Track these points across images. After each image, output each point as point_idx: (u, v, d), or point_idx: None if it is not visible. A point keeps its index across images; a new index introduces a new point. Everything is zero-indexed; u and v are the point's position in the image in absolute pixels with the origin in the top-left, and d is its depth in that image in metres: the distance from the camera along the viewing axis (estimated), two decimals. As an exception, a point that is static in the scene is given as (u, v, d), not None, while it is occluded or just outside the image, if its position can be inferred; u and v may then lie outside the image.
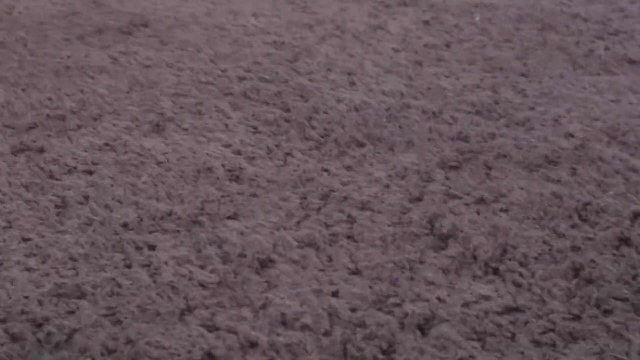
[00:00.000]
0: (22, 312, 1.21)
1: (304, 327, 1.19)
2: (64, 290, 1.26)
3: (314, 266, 1.33)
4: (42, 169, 1.59)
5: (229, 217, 1.45)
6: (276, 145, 1.69)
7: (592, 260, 1.34)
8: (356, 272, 1.32)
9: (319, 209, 1.50)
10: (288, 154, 1.67)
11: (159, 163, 1.61)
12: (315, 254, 1.36)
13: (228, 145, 1.68)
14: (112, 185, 1.53)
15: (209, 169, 1.59)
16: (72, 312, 1.22)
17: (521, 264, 1.33)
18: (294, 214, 1.47)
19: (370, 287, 1.28)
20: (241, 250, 1.35)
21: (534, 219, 1.45)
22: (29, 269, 1.31)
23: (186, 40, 2.17)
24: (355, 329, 1.19)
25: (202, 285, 1.27)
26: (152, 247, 1.36)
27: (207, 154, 1.64)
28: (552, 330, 1.19)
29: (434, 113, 1.84)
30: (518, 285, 1.28)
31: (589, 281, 1.29)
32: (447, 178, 1.60)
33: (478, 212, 1.48)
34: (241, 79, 1.98)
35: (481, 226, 1.43)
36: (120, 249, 1.35)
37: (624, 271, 1.32)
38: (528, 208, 1.48)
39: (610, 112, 1.85)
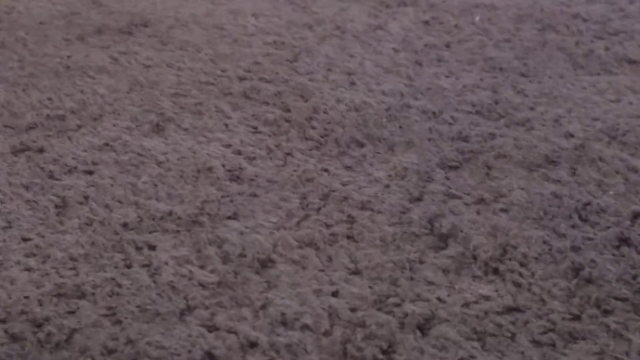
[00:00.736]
0: (22, 312, 1.21)
1: (304, 327, 1.19)
2: (64, 290, 1.26)
3: (314, 266, 1.33)
4: (42, 169, 1.59)
5: (229, 217, 1.45)
6: (276, 146, 1.69)
7: (592, 260, 1.34)
8: (356, 272, 1.32)
9: (319, 209, 1.50)
10: (288, 154, 1.67)
11: (159, 163, 1.61)
12: (315, 254, 1.36)
13: (228, 145, 1.68)
14: (112, 185, 1.53)
15: (209, 169, 1.59)
16: (72, 312, 1.22)
17: (521, 264, 1.33)
18: (294, 214, 1.47)
19: (370, 287, 1.28)
20: (241, 250, 1.35)
21: (534, 219, 1.45)
22: (29, 269, 1.31)
23: (186, 40, 2.17)
24: (355, 329, 1.19)
25: (202, 285, 1.27)
26: (152, 247, 1.36)
27: (207, 154, 1.64)
28: (552, 330, 1.19)
29: (434, 113, 1.84)
30: (518, 285, 1.28)
31: (589, 281, 1.29)
32: (447, 178, 1.60)
33: (478, 212, 1.47)
34: (241, 79, 1.98)
35: (481, 226, 1.43)
36: (120, 249, 1.35)
37: (624, 271, 1.32)
38: (528, 208, 1.48)
39: (610, 112, 1.85)
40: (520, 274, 1.31)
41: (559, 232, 1.42)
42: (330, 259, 1.35)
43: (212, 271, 1.30)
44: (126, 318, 1.20)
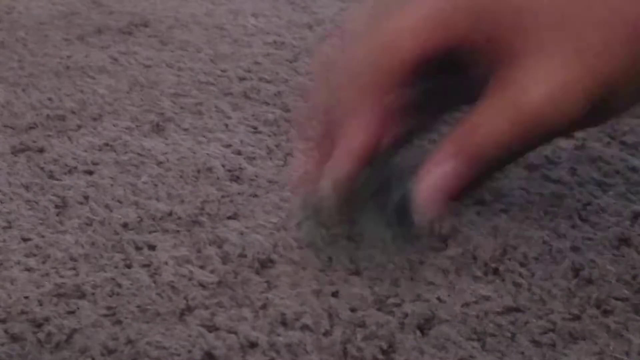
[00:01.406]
0: (22, 312, 1.21)
1: (304, 327, 1.19)
2: (64, 290, 1.26)
3: (314, 266, 1.33)
4: (42, 169, 1.58)
5: (229, 217, 1.45)
6: (276, 146, 1.69)
7: (592, 260, 1.34)
8: (356, 272, 1.32)
9: (319, 209, 1.50)
10: (288, 154, 1.67)
11: (159, 163, 1.61)
12: (315, 254, 1.36)
13: (228, 146, 1.68)
14: (112, 185, 1.53)
15: (209, 169, 1.59)
16: (72, 312, 1.21)
17: (521, 264, 1.33)
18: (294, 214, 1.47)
19: (370, 287, 1.28)
20: (241, 250, 1.35)
21: (534, 219, 1.45)
22: (29, 269, 1.30)
23: (186, 40, 2.17)
24: (355, 329, 1.19)
25: (202, 285, 1.27)
26: (152, 247, 1.36)
27: (207, 154, 1.64)
28: (552, 330, 1.19)
29: (434, 113, 1.83)
30: (518, 285, 1.28)
31: (589, 281, 1.29)
32: (447, 178, 1.60)
33: (478, 213, 1.47)
34: (241, 79, 1.97)
35: (481, 226, 1.43)
36: (120, 249, 1.35)
37: (624, 271, 1.32)
38: (528, 208, 1.48)
39: (610, 112, 1.85)
40: (520, 274, 1.31)
41: (559, 232, 1.42)
42: (330, 259, 1.35)
43: (212, 271, 1.30)
44: (126, 318, 1.20)
